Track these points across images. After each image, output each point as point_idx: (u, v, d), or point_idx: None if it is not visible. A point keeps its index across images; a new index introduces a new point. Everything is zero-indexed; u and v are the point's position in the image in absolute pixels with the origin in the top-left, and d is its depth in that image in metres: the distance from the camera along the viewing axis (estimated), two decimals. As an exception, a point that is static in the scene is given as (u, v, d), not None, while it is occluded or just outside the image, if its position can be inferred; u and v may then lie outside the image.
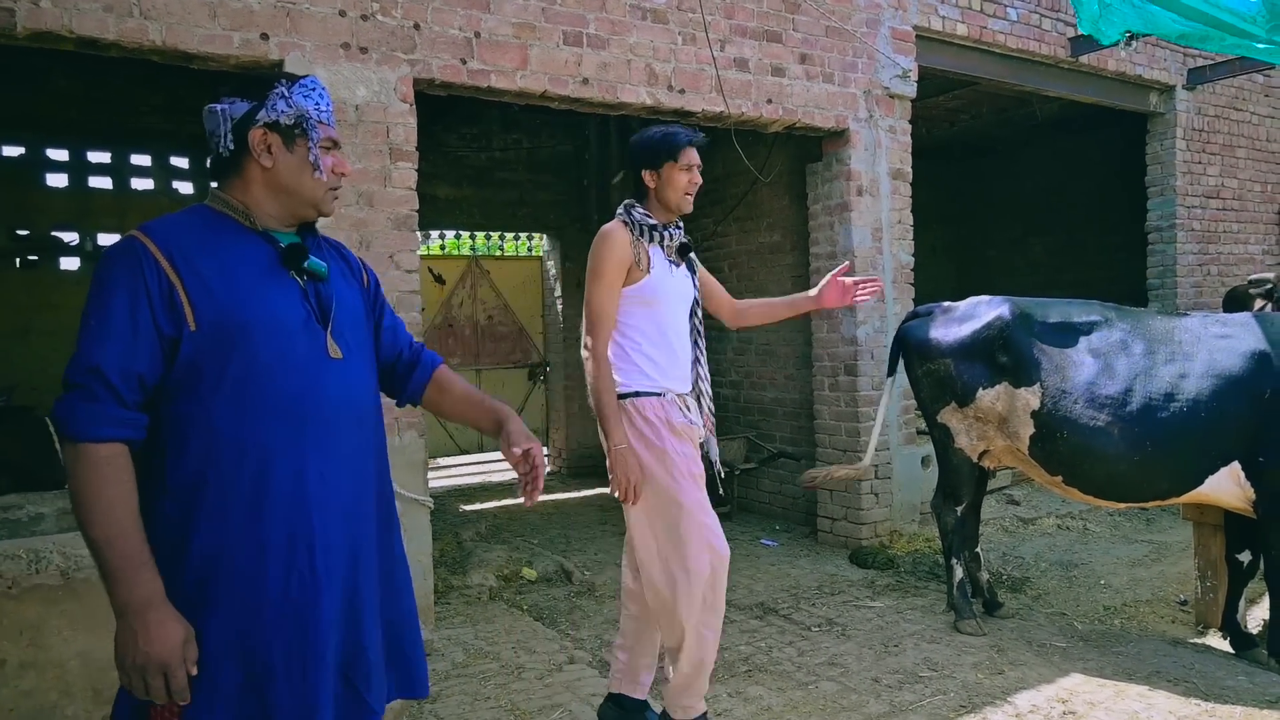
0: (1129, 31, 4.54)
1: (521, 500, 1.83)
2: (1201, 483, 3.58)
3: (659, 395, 2.75)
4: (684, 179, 2.79)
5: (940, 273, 10.46)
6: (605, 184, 8.50)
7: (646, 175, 2.81)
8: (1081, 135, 9.31)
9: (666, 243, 2.81)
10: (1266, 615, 4.16)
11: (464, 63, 4.03)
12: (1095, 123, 8.36)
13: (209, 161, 1.67)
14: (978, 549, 4.35)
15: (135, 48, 3.42)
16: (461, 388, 1.95)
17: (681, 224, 2.91)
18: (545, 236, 9.19)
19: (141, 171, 7.39)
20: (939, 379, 4.10)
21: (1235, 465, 3.54)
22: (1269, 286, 4.70)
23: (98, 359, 1.46)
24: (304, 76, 1.72)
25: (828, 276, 3.07)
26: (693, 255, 2.94)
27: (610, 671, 3.08)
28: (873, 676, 3.56)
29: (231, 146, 1.62)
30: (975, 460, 4.14)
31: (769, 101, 4.97)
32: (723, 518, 6.34)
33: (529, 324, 9.29)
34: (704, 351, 2.95)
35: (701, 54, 4.70)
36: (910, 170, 5.71)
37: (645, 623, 2.93)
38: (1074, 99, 6.96)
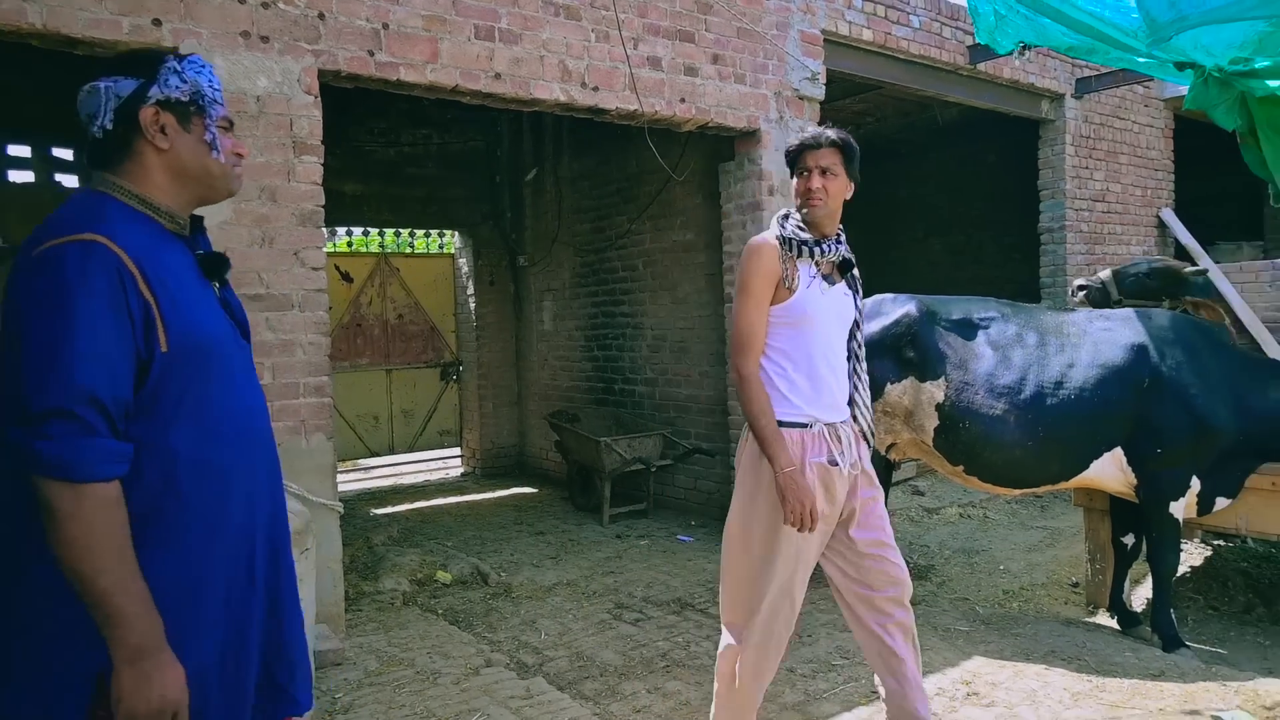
0: (1022, 42, 4.74)
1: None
2: (1088, 467, 3.80)
3: (804, 427, 2.49)
4: (802, 186, 2.55)
5: (848, 271, 10.74)
6: (518, 181, 8.43)
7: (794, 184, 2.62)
8: (979, 140, 9.71)
9: (820, 258, 2.54)
10: (1149, 594, 4.43)
11: (372, 55, 3.93)
12: (992, 128, 8.72)
13: (89, 148, 1.51)
14: (886, 539, 4.49)
15: (13, 30, 3.20)
16: None
17: (843, 237, 2.63)
18: (457, 234, 9.05)
19: (20, 164, 6.95)
20: None
21: (1118, 450, 3.77)
22: (1090, 290, 4.97)
23: (91, 384, 1.31)
24: (189, 55, 1.58)
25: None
26: (855, 272, 2.67)
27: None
28: (788, 666, 3.63)
29: (110, 126, 1.47)
30: (883, 453, 4.27)
31: (682, 100, 5.01)
32: (640, 514, 6.48)
33: (440, 322, 9.13)
34: (864, 375, 2.69)
35: (615, 52, 4.70)
36: (819, 171, 5.84)
37: (881, 638, 2.69)
38: (972, 105, 7.25)
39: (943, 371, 3.97)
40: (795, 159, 2.57)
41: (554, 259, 8.01)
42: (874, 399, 4.11)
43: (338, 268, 8.44)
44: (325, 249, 4.03)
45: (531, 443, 8.50)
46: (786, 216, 2.59)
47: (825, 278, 2.56)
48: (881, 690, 2.71)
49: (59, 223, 1.40)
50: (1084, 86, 7.69)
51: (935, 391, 3.97)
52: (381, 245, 9.66)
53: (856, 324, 2.66)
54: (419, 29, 4.05)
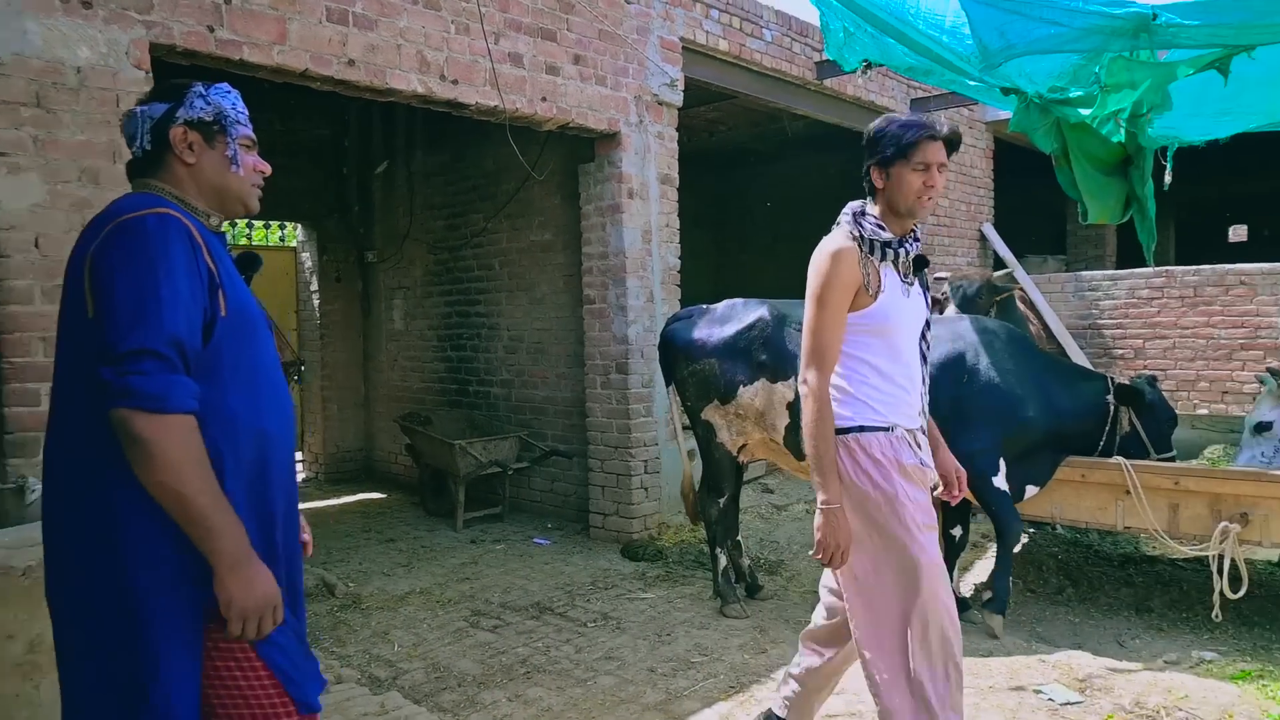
0: (866, 60, 5.00)
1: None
2: None
3: (887, 430, 2.33)
4: (917, 181, 2.29)
5: (699, 275, 10.99)
6: (368, 174, 8.09)
7: (875, 173, 2.35)
8: (825, 152, 10.17)
9: (902, 259, 2.36)
10: (976, 581, 4.77)
11: (212, 30, 3.65)
12: (837, 141, 9.14)
13: (130, 164, 1.72)
14: (739, 536, 4.61)
15: None
16: None
17: (919, 234, 2.43)
18: (300, 226, 8.58)
19: None
20: (703, 378, 4.30)
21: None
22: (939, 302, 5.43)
23: (174, 328, 1.49)
24: (218, 82, 1.78)
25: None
26: (926, 270, 2.49)
27: (782, 693, 2.78)
28: (648, 666, 3.66)
29: (149, 146, 1.68)
30: (735, 454, 4.39)
31: (544, 99, 4.96)
32: (496, 518, 6.36)
33: (281, 319, 8.61)
34: (925, 376, 2.52)
35: (476, 45, 4.59)
36: (677, 176, 5.95)
37: (835, 668, 2.67)
38: (819, 118, 7.59)
39: (794, 371, 4.13)
40: (910, 148, 2.28)
41: (405, 256, 7.74)
42: (728, 401, 4.23)
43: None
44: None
45: (380, 446, 8.18)
46: (862, 214, 2.37)
47: (903, 278, 2.39)
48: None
49: (126, 206, 1.59)
50: (918, 106, 8.21)
51: (787, 391, 4.12)
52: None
53: (928, 323, 2.48)
54: (266, 7, 3.80)
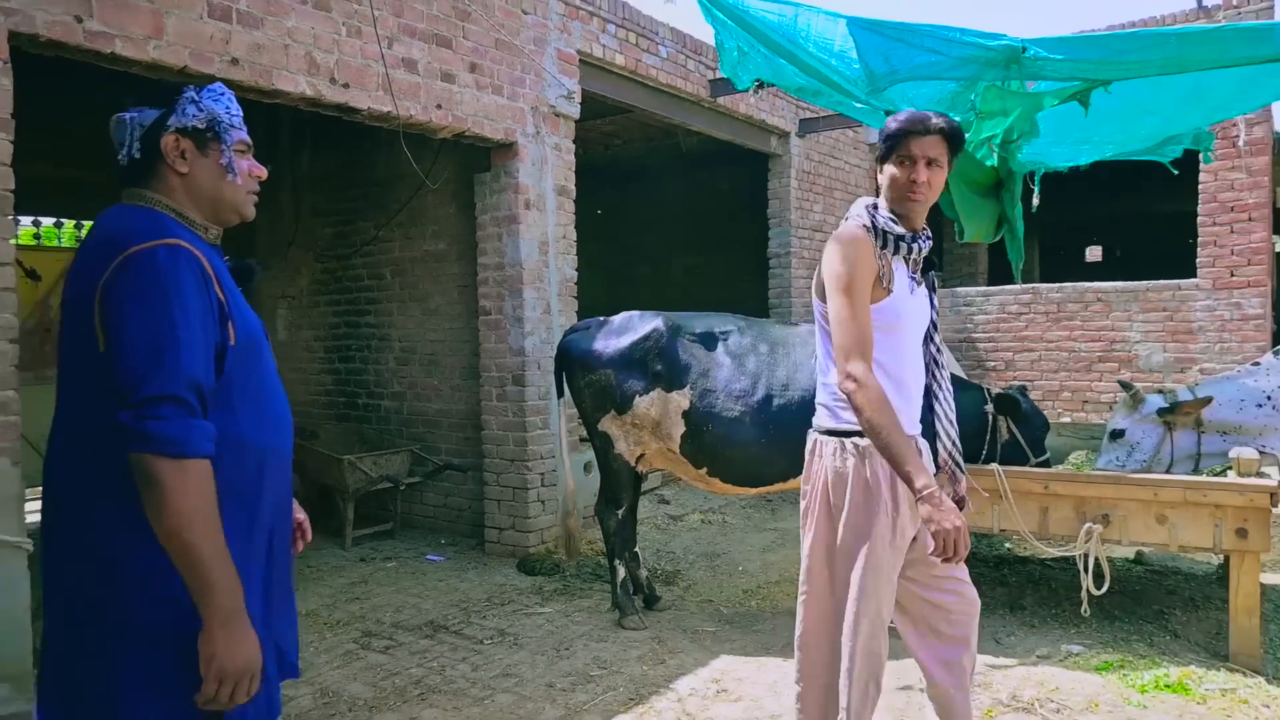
0: (759, 80, 5.14)
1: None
2: None
3: None
4: (903, 176, 2.27)
5: (594, 288, 11.02)
6: (249, 177, 7.73)
7: (876, 171, 2.37)
8: (717, 168, 10.38)
9: (913, 255, 2.32)
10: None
11: (80, 21, 3.42)
12: (729, 158, 9.35)
13: (120, 171, 1.65)
14: (636, 548, 4.63)
15: None
16: None
17: (930, 233, 2.39)
18: (174, 231, 8.12)
19: None
20: (600, 389, 4.31)
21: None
22: None
23: (192, 371, 1.48)
24: (211, 83, 1.71)
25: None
26: (934, 272, 2.44)
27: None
28: (547, 682, 3.62)
29: (138, 154, 1.62)
30: (633, 464, 4.41)
31: (439, 107, 4.87)
32: (386, 535, 6.17)
33: (153, 330, 8.13)
34: (944, 382, 2.46)
35: (368, 49, 4.47)
36: (574, 188, 5.95)
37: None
38: (712, 135, 7.74)
39: (688, 380, 4.19)
40: (896, 144, 2.28)
41: (290, 264, 7.44)
42: (625, 411, 4.25)
43: (21, 263, 7.24)
44: (11, 241, 3.45)
45: (261, 462, 7.80)
46: (875, 206, 2.34)
47: (913, 277, 2.35)
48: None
49: (127, 230, 1.53)
50: (807, 127, 8.50)
51: (682, 400, 4.18)
52: (78, 239, 8.45)
53: (934, 325, 2.45)
54: (140, -1, 3.59)
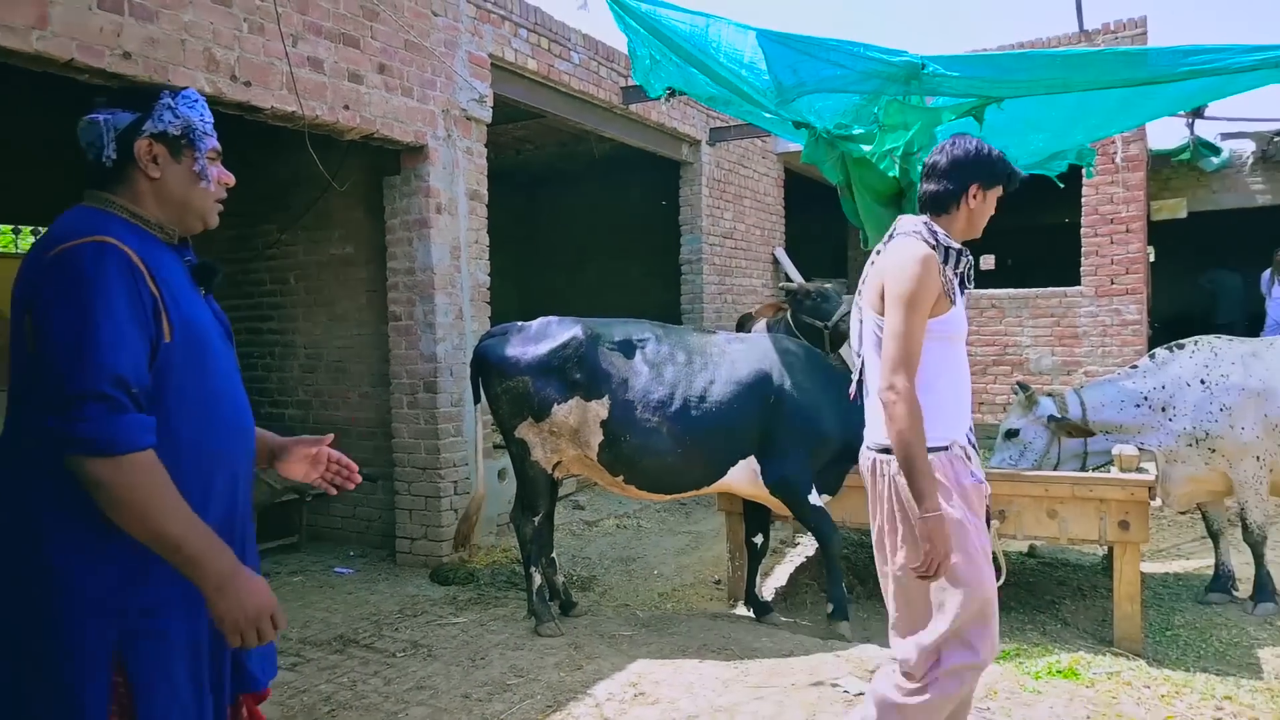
0: (670, 88, 5.22)
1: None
2: (726, 473, 4.26)
3: (945, 449, 2.33)
4: (989, 210, 2.48)
5: (506, 293, 10.94)
6: (141, 177, 7.37)
7: (973, 189, 2.42)
8: (630, 174, 10.44)
9: (967, 270, 2.42)
10: (779, 585, 5.04)
11: (-47, 8, 3.21)
12: (641, 164, 9.43)
13: (88, 171, 1.65)
14: (553, 554, 4.61)
15: None
16: None
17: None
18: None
19: None
20: (517, 396, 4.27)
21: (752, 459, 4.26)
22: (788, 298, 5.75)
23: (115, 366, 1.45)
24: (184, 88, 1.73)
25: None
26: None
27: None
28: (462, 693, 3.57)
29: (114, 156, 1.63)
30: (550, 471, 4.39)
31: (346, 108, 4.76)
32: (292, 549, 5.97)
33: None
34: None
35: (272, 47, 4.34)
36: (486, 192, 5.89)
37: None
38: (624, 142, 7.80)
39: (607, 390, 4.19)
40: (1009, 182, 2.47)
41: (186, 267, 7.12)
42: (542, 419, 4.23)
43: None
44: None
45: (155, 475, 7.44)
46: (929, 224, 2.43)
47: (961, 288, 2.45)
48: None
49: (64, 231, 1.54)
50: (717, 135, 8.65)
51: (600, 409, 4.18)
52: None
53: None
54: (22, -14, 3.39)
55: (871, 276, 2.47)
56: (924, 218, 2.46)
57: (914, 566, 2.24)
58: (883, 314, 2.37)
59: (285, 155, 6.06)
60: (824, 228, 14.02)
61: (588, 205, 11.44)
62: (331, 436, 2.02)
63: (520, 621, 4.43)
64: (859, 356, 2.59)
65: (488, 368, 4.37)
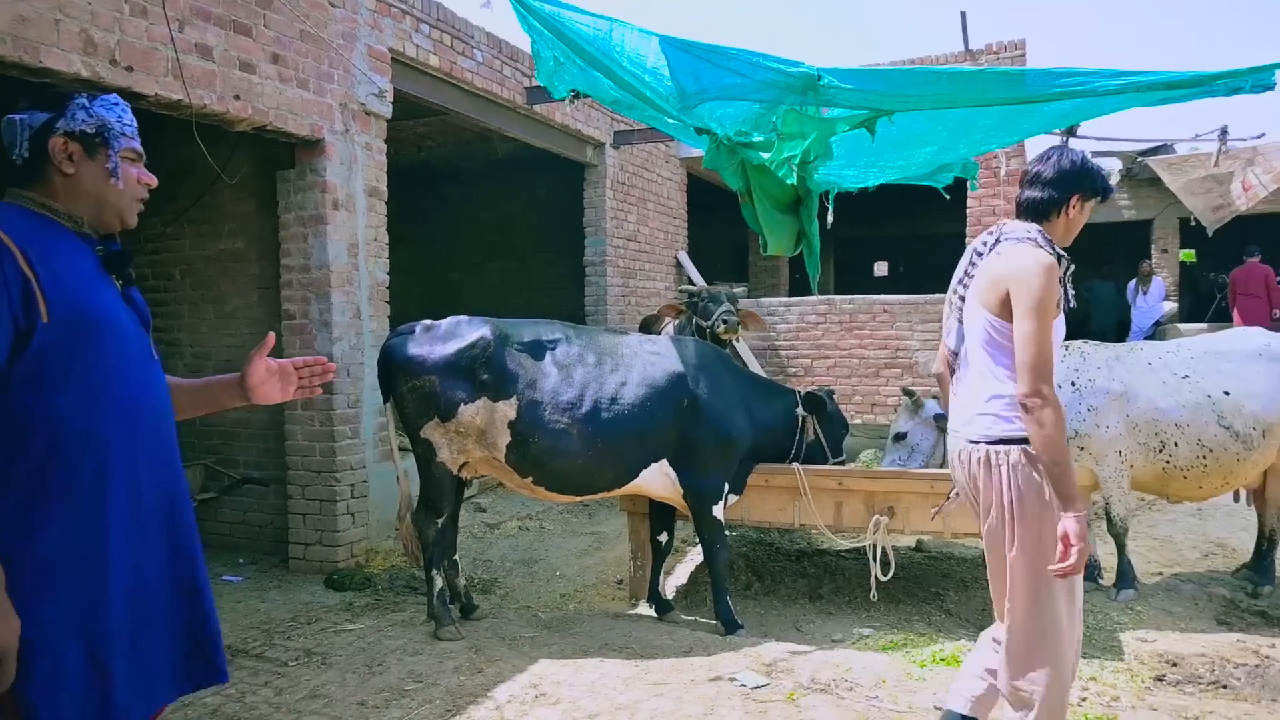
0: (574, 90, 5.23)
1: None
2: (638, 476, 4.28)
3: None
4: (1086, 219, 2.58)
5: (407, 292, 10.72)
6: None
7: (1075, 199, 2.51)
8: (534, 175, 10.40)
9: (1069, 276, 2.51)
10: (680, 584, 5.12)
11: None
12: (545, 166, 9.40)
13: (10, 170, 1.71)
14: (456, 556, 4.55)
15: None
16: (184, 380, 2.04)
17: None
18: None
19: None
20: (423, 396, 4.20)
21: (664, 462, 4.31)
22: (687, 302, 5.83)
23: None
24: (107, 93, 1.80)
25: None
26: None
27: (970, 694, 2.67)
28: (358, 700, 3.49)
29: (27, 154, 1.69)
30: (456, 472, 4.33)
31: (237, 97, 4.58)
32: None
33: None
34: None
35: (156, 30, 4.14)
36: (386, 189, 5.77)
37: None
38: (528, 142, 7.76)
39: (515, 391, 4.17)
40: (1105, 197, 2.60)
41: (59, 261, 6.71)
42: (449, 419, 4.18)
43: None
44: None
45: (22, 482, 6.97)
46: (1042, 232, 2.51)
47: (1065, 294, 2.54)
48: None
49: None
50: (621, 139, 8.70)
51: (508, 410, 4.15)
52: None
53: None
54: (-128, -46, 3.15)
55: (981, 275, 2.56)
56: (1034, 225, 2.54)
57: (1058, 565, 2.29)
58: (999, 314, 2.45)
59: (171, 145, 5.78)
60: (726, 232, 14.31)
61: (491, 205, 11.32)
62: (271, 338, 2.09)
63: (419, 626, 4.36)
64: (955, 350, 2.67)
65: (394, 366, 4.27)
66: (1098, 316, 12.98)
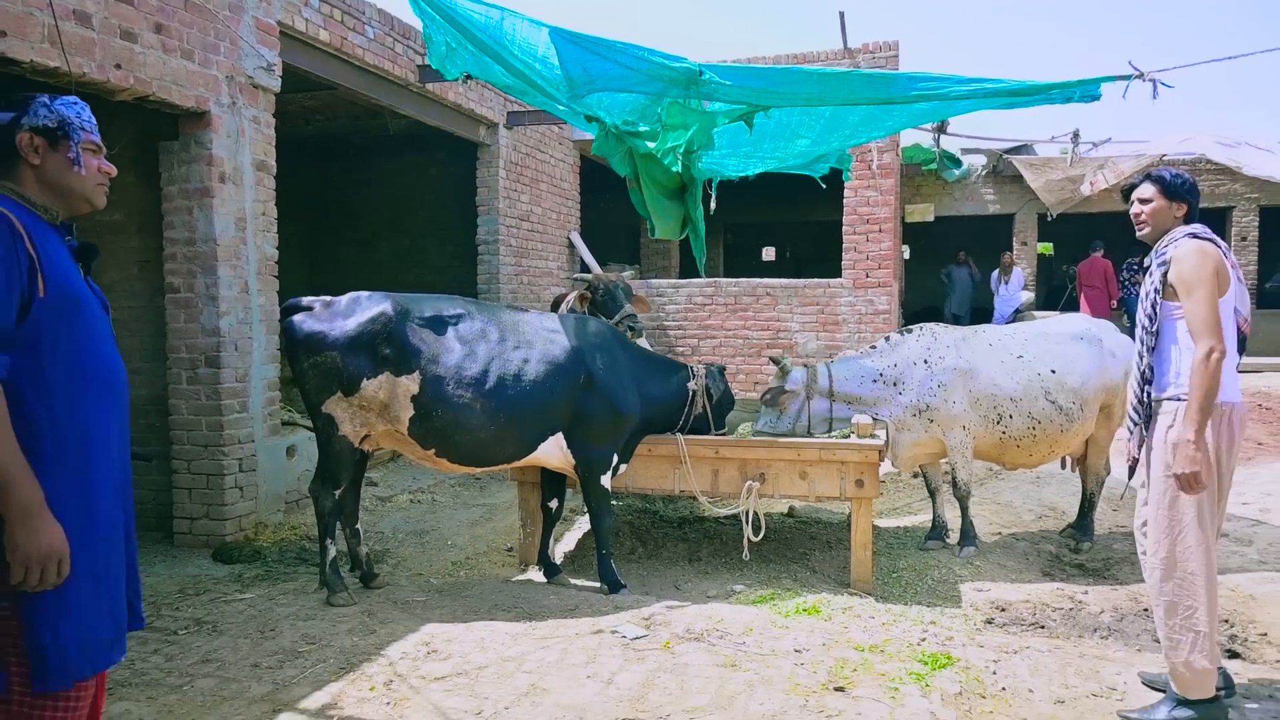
0: (467, 73, 5.34)
1: None
2: (536, 449, 4.50)
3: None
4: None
5: (294, 268, 10.51)
6: None
7: (1184, 211, 3.15)
8: (426, 153, 10.36)
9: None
10: (567, 549, 5.37)
11: None
12: (438, 144, 9.41)
13: None
14: (358, 525, 4.65)
15: None
16: None
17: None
18: None
19: None
20: (325, 371, 4.27)
21: (560, 435, 4.53)
22: (587, 285, 6.04)
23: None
24: (66, 97, 2.00)
25: None
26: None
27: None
28: (252, 663, 3.59)
29: None
30: (357, 444, 4.42)
31: (118, 67, 4.51)
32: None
33: None
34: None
35: (32, -4, 4.04)
36: (274, 163, 5.75)
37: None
38: (421, 120, 7.78)
39: (418, 365, 4.29)
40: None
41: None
42: (352, 394, 4.27)
43: None
44: None
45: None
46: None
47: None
48: None
49: None
50: (514, 119, 8.81)
51: (410, 384, 4.27)
52: None
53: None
54: None
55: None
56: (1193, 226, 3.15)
57: (1179, 477, 2.89)
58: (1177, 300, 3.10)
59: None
60: (618, 214, 14.57)
61: (382, 181, 11.21)
62: None
63: (312, 594, 4.46)
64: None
65: (295, 342, 4.31)
66: (956, 300, 13.90)
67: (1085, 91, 4.50)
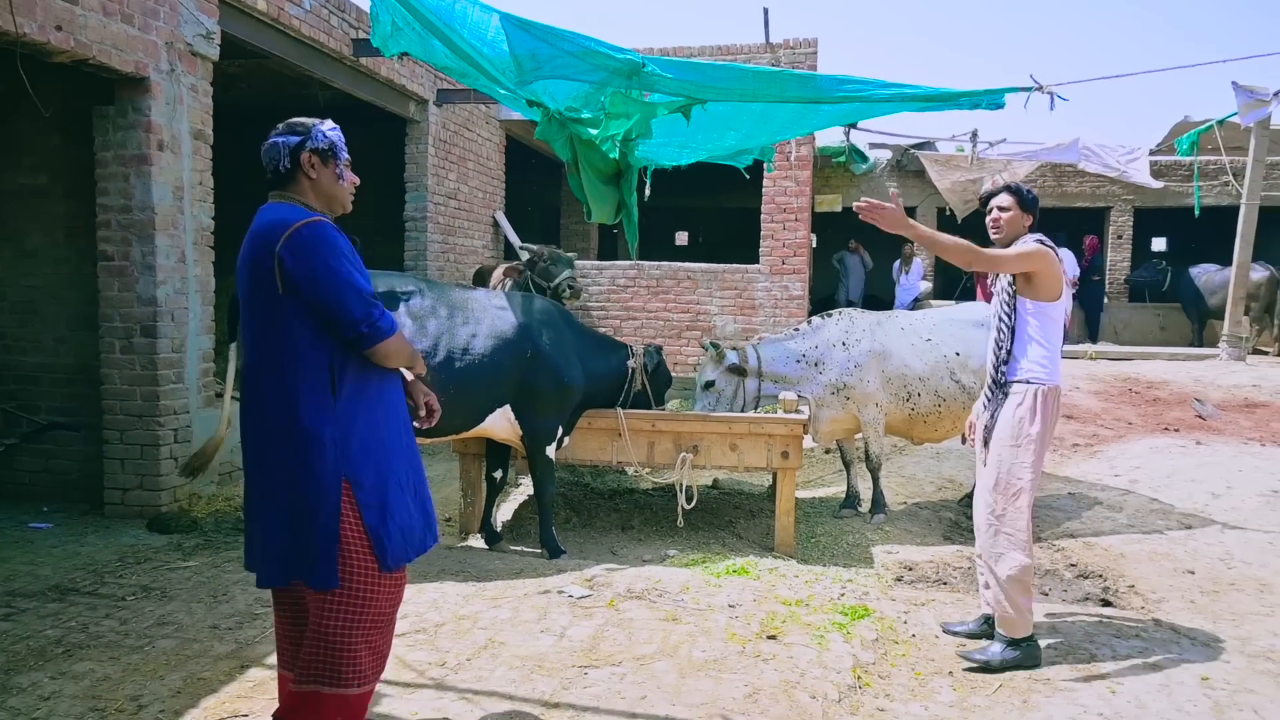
0: (405, 53, 5.42)
1: None
2: (484, 420, 4.68)
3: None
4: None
5: (228, 240, 10.25)
6: None
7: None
8: (353, 126, 10.19)
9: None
10: (505, 519, 5.57)
11: None
12: (368, 117, 9.33)
13: (270, 178, 2.46)
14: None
15: None
16: None
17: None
18: None
19: None
20: None
21: (507, 407, 4.72)
22: (526, 261, 6.21)
23: (370, 289, 2.40)
24: (330, 124, 2.50)
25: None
26: None
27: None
28: (210, 625, 3.69)
29: (289, 165, 2.44)
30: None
31: (59, 29, 4.43)
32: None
33: None
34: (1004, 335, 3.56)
35: (-26, -47, 3.95)
36: (211, 133, 5.70)
37: None
38: (351, 93, 7.75)
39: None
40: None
41: None
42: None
43: None
44: None
45: None
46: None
47: None
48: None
49: (284, 216, 2.34)
50: (444, 97, 8.84)
51: None
52: None
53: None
54: None
55: None
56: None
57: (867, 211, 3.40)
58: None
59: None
60: (539, 194, 14.65)
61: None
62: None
63: (258, 561, 4.53)
64: None
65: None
66: (849, 286, 14.53)
67: (991, 100, 4.95)
